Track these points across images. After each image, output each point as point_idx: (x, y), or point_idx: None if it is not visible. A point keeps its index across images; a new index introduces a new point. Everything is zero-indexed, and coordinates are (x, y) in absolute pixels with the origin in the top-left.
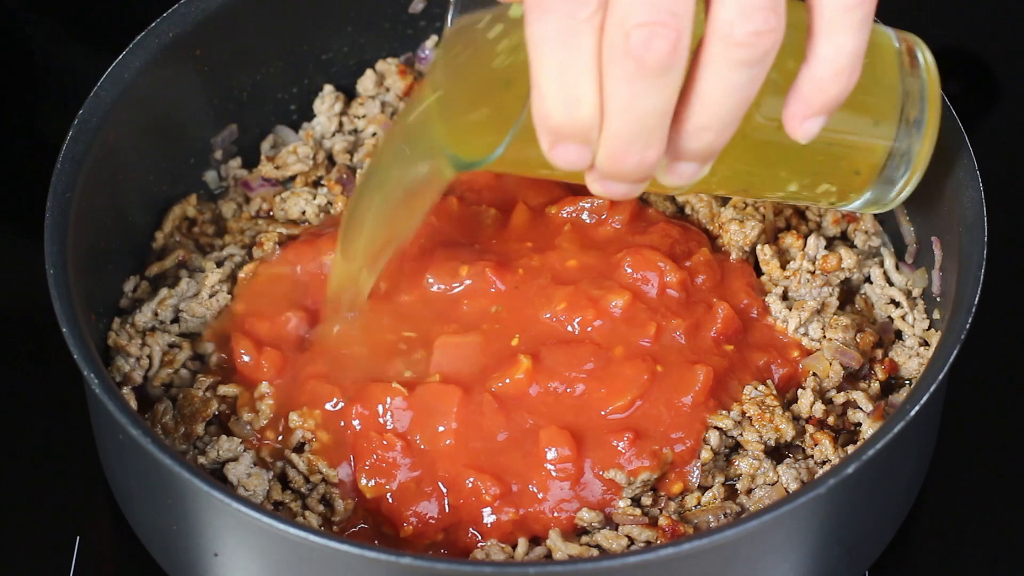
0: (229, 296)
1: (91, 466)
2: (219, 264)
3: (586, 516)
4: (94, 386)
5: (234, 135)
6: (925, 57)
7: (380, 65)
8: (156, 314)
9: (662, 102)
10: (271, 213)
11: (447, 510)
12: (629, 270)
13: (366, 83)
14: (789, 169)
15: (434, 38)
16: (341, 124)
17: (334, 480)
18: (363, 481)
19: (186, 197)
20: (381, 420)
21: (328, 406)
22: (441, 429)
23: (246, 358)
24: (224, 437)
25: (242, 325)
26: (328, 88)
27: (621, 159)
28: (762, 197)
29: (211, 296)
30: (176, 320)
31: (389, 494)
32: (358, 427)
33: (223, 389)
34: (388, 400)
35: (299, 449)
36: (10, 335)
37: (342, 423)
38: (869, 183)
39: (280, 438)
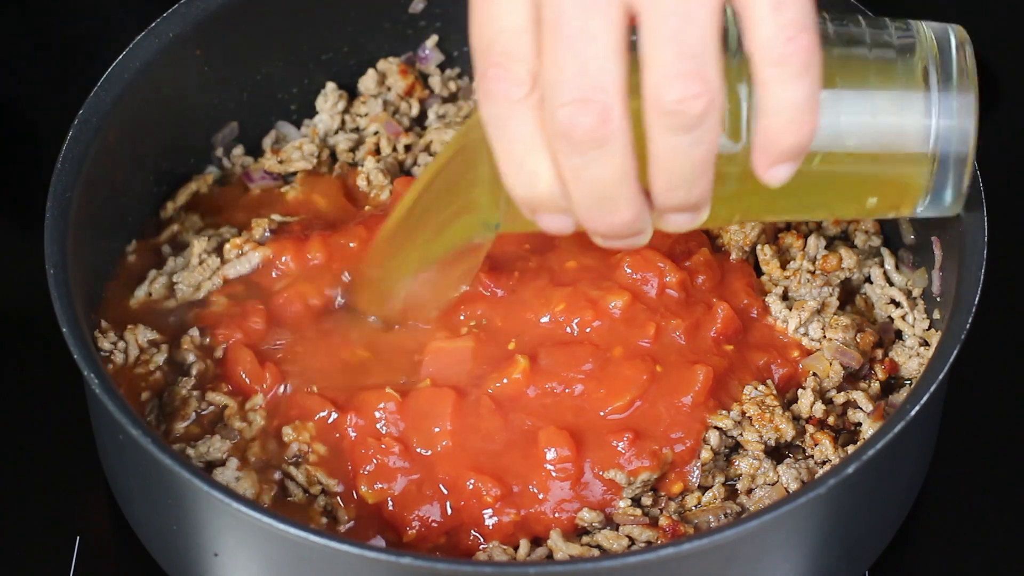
0: (219, 261)
1: (91, 466)
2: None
3: (587, 516)
4: (94, 386)
5: (235, 133)
6: (966, 53)
7: (382, 64)
8: (150, 295)
9: (611, 171)
10: None
11: (449, 513)
12: (628, 270)
13: (367, 82)
14: (829, 195)
15: (435, 38)
16: (343, 122)
17: (334, 490)
18: (363, 488)
19: (203, 174)
20: (377, 426)
21: (320, 415)
22: (437, 431)
23: (246, 376)
24: (218, 437)
25: (215, 323)
26: (331, 86)
27: (593, 223)
28: (815, 219)
29: (200, 263)
30: (172, 296)
31: (390, 499)
32: (354, 435)
33: (212, 396)
34: (382, 406)
35: (296, 462)
36: (10, 335)
37: (337, 434)
38: (921, 191)
39: (280, 452)
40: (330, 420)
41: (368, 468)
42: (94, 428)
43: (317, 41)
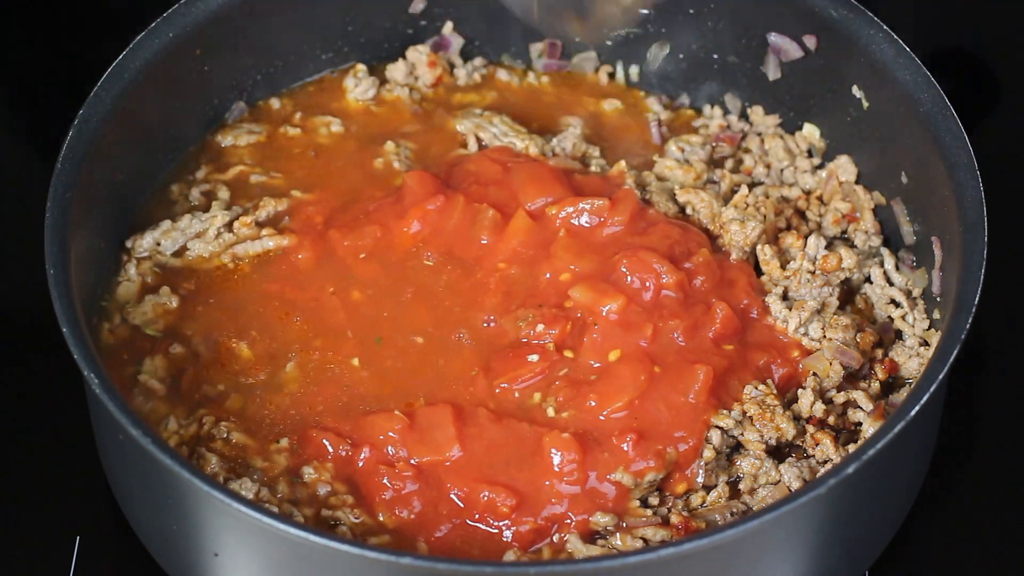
0: (232, 236)
1: (91, 466)
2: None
3: (601, 520)
4: (94, 386)
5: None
6: None
7: (411, 54)
8: (158, 244)
9: None
10: None
11: (469, 528)
12: (625, 272)
13: (395, 73)
14: None
15: (450, 24)
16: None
17: (361, 521)
18: (380, 516)
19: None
20: (390, 450)
21: (332, 451)
22: (443, 446)
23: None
24: (247, 480)
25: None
26: (362, 68)
27: None
28: None
29: (217, 236)
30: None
31: (411, 524)
32: (368, 464)
33: (232, 434)
34: (394, 427)
35: (323, 501)
36: (10, 335)
37: (357, 462)
38: None
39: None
40: (343, 453)
41: (386, 495)
42: (94, 428)
43: (316, 41)
